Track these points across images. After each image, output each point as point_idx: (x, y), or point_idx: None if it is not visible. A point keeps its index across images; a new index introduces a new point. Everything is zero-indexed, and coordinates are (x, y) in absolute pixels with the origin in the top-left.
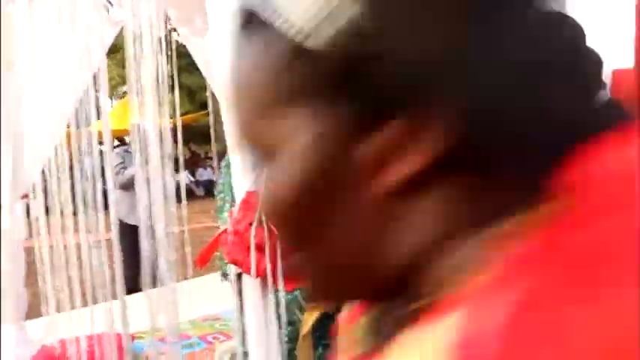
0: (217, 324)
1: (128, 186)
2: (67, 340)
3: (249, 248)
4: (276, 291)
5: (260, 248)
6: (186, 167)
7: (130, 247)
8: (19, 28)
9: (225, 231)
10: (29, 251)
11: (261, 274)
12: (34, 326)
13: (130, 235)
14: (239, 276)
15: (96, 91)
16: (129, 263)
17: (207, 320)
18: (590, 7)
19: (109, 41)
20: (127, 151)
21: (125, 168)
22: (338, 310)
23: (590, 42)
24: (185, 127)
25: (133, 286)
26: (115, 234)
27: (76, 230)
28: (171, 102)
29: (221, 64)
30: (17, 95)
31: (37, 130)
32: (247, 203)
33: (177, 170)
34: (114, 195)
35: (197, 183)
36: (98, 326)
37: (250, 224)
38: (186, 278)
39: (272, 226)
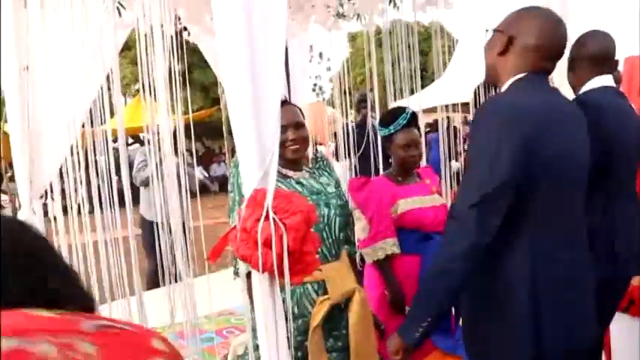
0: (232, 318)
1: (148, 183)
2: None
3: (256, 244)
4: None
5: (267, 244)
6: (201, 163)
7: (150, 243)
8: (32, 31)
9: (234, 228)
10: None
11: (268, 269)
12: None
13: (150, 230)
14: (248, 273)
15: (108, 89)
16: (149, 259)
17: (223, 315)
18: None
19: (120, 43)
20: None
21: (147, 165)
22: (347, 302)
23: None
24: (199, 123)
25: (153, 281)
26: (130, 230)
27: (94, 229)
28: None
29: (228, 61)
30: (33, 96)
31: (54, 131)
32: (254, 200)
33: (191, 165)
34: (128, 192)
35: (211, 178)
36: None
37: (257, 220)
38: (200, 274)
39: (279, 222)
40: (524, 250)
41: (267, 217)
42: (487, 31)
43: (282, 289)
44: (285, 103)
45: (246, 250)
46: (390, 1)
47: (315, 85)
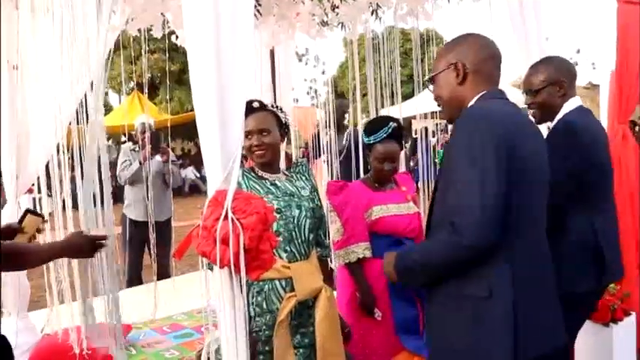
0: (213, 315)
1: (133, 181)
2: (69, 329)
3: (215, 241)
4: (247, 281)
5: (225, 241)
6: (193, 163)
7: (129, 240)
8: (22, 32)
9: (198, 226)
10: None
11: (226, 264)
12: (37, 317)
13: (130, 228)
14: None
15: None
16: (131, 256)
17: (202, 312)
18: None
19: (110, 45)
20: (132, 149)
21: (131, 164)
22: (315, 299)
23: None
24: (192, 123)
25: (135, 278)
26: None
27: (78, 225)
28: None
29: (195, 67)
30: (22, 94)
31: (41, 128)
32: (216, 200)
33: (182, 166)
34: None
35: (203, 179)
36: (98, 316)
37: (217, 219)
38: (183, 273)
39: (236, 221)
40: (501, 257)
41: (226, 217)
42: (426, 82)
43: (246, 284)
44: (257, 109)
45: (206, 246)
46: (373, 12)
47: (310, 88)
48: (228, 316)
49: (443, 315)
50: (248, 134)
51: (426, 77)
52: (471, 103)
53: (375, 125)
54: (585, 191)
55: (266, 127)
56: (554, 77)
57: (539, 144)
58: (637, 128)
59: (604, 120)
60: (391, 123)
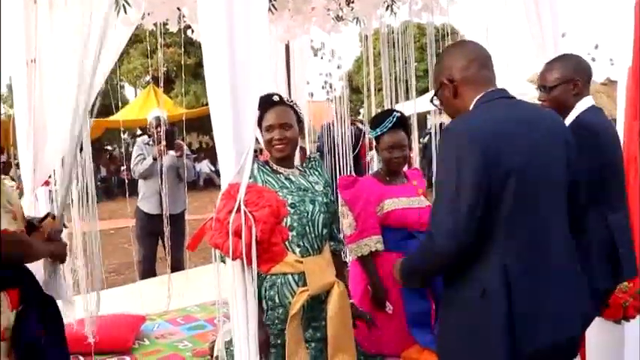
0: (225, 308)
1: (147, 176)
2: (84, 319)
3: (228, 233)
4: (260, 275)
5: (237, 234)
6: (208, 157)
7: (143, 233)
8: (40, 25)
9: (211, 219)
10: None
11: (238, 257)
12: None
13: (144, 221)
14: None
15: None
16: (145, 248)
17: (215, 304)
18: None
19: (125, 39)
20: (147, 143)
21: (145, 159)
22: (327, 294)
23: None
24: (207, 117)
25: (149, 271)
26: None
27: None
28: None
29: (210, 61)
30: (41, 88)
31: (58, 121)
32: (228, 193)
33: (197, 160)
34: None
35: (217, 172)
36: (112, 308)
37: (230, 212)
38: (196, 265)
39: (249, 214)
40: (494, 259)
41: (238, 210)
42: (431, 101)
43: (258, 277)
44: (278, 103)
45: (218, 238)
46: (387, 7)
47: (325, 82)
48: (240, 307)
49: (447, 316)
50: (269, 128)
51: (430, 100)
52: (471, 108)
53: (379, 118)
54: (599, 190)
55: (287, 121)
56: (569, 76)
57: (547, 147)
58: None
59: (621, 116)
60: (395, 113)
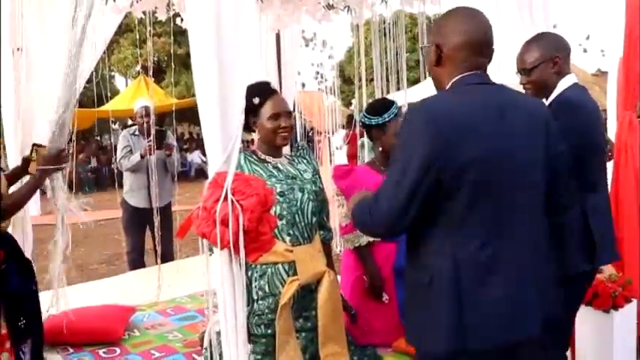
0: (215, 298)
1: (134, 169)
2: (74, 310)
3: (215, 222)
4: (250, 265)
5: (224, 222)
6: (199, 147)
7: (129, 225)
8: (27, 14)
9: (199, 207)
10: (42, 228)
11: (226, 246)
12: (43, 298)
13: (130, 213)
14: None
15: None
16: (133, 240)
17: (205, 295)
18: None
19: (114, 27)
20: (133, 134)
21: (132, 152)
22: (318, 283)
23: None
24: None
25: (138, 262)
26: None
27: (85, 209)
28: (186, 83)
29: (196, 48)
30: (28, 76)
31: (45, 109)
32: (215, 182)
33: (187, 150)
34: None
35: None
36: (102, 299)
37: (217, 201)
38: (187, 256)
39: (236, 203)
40: (445, 247)
41: (225, 198)
42: (421, 48)
43: (248, 267)
44: (276, 91)
45: (205, 227)
46: None
47: (317, 73)
48: (228, 297)
49: (407, 300)
50: (276, 116)
51: (421, 46)
52: (448, 86)
53: (382, 105)
54: (579, 170)
55: (289, 109)
56: (547, 54)
57: (521, 130)
58: None
59: (612, 106)
60: (395, 102)
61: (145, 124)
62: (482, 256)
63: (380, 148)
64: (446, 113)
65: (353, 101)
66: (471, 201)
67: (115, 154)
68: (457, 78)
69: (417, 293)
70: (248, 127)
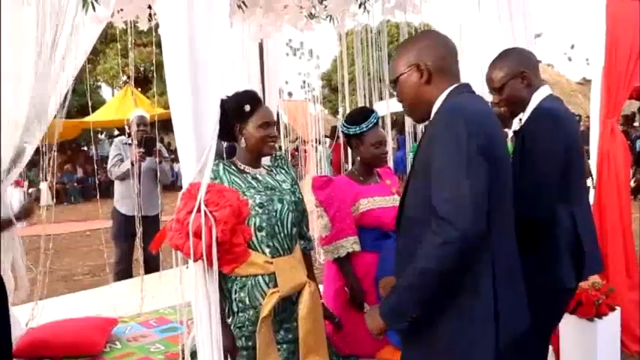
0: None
1: (124, 177)
2: (54, 323)
3: (188, 234)
4: (230, 277)
5: (197, 234)
6: None
7: (118, 235)
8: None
9: (172, 220)
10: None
11: (199, 258)
12: (22, 311)
13: (120, 223)
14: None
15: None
16: (122, 250)
17: (188, 306)
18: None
19: (95, 36)
20: (125, 143)
21: (122, 160)
22: (299, 294)
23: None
24: None
25: (126, 271)
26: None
27: (69, 220)
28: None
29: (170, 59)
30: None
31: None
32: (189, 193)
33: (175, 160)
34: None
35: None
36: (86, 310)
37: (190, 212)
38: (172, 267)
39: (209, 214)
40: (486, 255)
41: (199, 210)
42: (391, 83)
43: (227, 279)
44: (261, 101)
45: (178, 239)
46: (360, 5)
47: (304, 82)
48: (203, 310)
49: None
50: (266, 125)
51: (390, 80)
52: (442, 98)
53: (360, 115)
54: (566, 181)
55: (274, 119)
56: (513, 70)
57: (503, 140)
58: (637, 123)
59: (595, 114)
60: (374, 111)
61: (139, 133)
62: (505, 261)
63: (358, 158)
64: (478, 115)
65: (340, 109)
66: (496, 205)
67: (103, 164)
68: (452, 88)
69: (449, 301)
70: (231, 135)
